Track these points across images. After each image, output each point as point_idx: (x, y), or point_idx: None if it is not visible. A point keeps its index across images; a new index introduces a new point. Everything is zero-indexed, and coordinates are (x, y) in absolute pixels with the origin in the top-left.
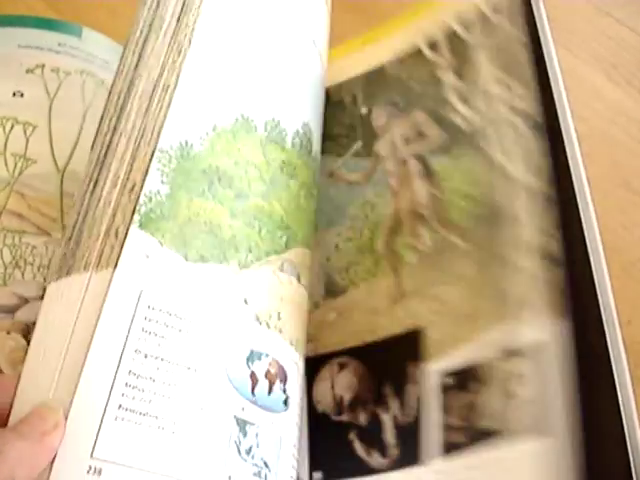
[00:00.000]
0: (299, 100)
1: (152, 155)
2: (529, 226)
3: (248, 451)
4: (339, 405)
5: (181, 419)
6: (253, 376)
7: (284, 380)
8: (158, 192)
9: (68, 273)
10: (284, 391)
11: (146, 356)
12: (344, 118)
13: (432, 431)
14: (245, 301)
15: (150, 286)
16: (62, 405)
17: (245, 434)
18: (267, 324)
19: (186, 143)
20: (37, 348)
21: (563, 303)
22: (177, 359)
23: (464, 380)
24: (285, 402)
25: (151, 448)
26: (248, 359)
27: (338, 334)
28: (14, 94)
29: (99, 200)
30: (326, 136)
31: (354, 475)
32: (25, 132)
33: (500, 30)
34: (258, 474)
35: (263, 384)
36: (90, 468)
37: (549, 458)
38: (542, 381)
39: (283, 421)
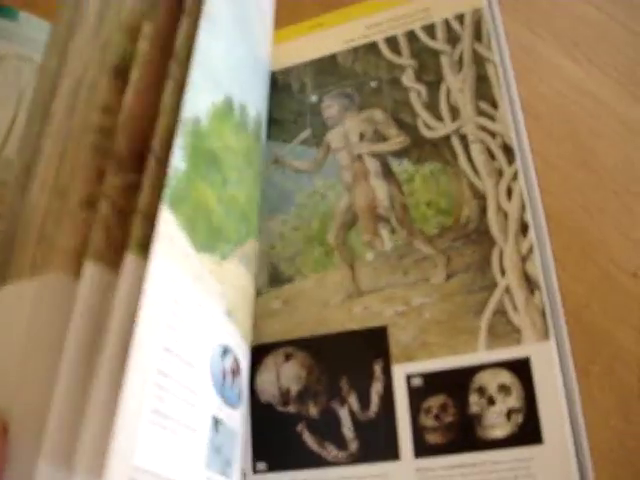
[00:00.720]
0: (254, 84)
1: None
2: (506, 246)
3: (219, 450)
4: (285, 396)
5: (182, 419)
6: (224, 372)
7: (239, 373)
8: (178, 169)
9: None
10: (239, 385)
11: (168, 350)
12: (292, 104)
13: (404, 429)
14: (222, 295)
15: (173, 272)
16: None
17: (217, 432)
18: (234, 318)
19: (197, 119)
20: None
21: (545, 324)
22: (182, 352)
23: (437, 383)
24: (239, 396)
25: (172, 453)
26: (221, 355)
27: (283, 323)
28: None
29: (29, 206)
30: (271, 121)
31: (303, 466)
32: None
33: (465, 42)
34: (223, 473)
35: (229, 380)
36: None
37: (536, 463)
38: (527, 392)
39: (238, 415)
